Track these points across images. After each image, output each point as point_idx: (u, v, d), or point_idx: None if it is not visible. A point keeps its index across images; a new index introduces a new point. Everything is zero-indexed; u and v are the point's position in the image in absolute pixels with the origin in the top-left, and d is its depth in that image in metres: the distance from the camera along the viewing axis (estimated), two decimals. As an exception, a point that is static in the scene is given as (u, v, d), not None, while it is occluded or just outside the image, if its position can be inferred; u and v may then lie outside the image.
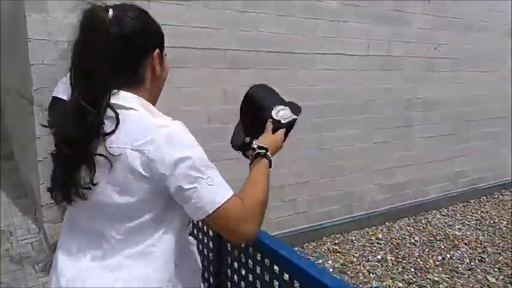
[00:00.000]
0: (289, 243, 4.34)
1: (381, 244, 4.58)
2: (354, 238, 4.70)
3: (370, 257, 4.27)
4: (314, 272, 0.76)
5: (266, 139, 1.23)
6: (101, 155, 0.88)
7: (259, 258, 0.93)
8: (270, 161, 1.16)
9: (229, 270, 1.05)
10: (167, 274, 0.92)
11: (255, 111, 1.35)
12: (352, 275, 3.90)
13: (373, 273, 3.95)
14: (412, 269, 4.03)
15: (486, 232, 4.96)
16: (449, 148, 5.63)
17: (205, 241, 1.18)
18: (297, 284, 0.81)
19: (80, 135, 0.88)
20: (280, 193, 4.24)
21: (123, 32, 0.93)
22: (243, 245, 0.99)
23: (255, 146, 1.17)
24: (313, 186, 4.47)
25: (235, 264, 1.02)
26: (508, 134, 6.37)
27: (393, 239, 4.70)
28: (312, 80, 4.27)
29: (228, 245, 1.04)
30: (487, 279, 3.87)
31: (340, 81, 4.46)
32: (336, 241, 4.62)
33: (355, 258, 4.22)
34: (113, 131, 0.89)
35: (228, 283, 1.05)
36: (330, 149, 4.51)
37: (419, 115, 5.17)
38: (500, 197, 6.31)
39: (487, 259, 4.26)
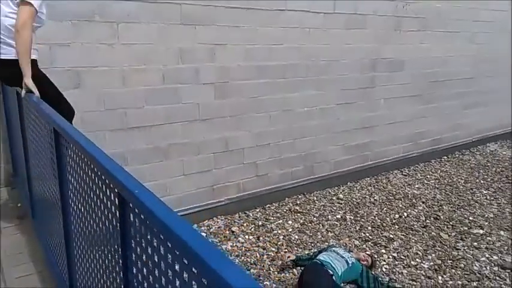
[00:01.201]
0: (250, 205, 4.37)
1: (341, 204, 4.65)
2: (315, 198, 4.76)
3: (329, 217, 4.34)
4: (207, 257, 0.69)
5: None
6: None
7: (162, 238, 0.85)
8: None
9: (133, 241, 0.98)
10: None
11: None
12: (311, 234, 3.97)
13: (331, 232, 4.03)
14: (370, 227, 4.13)
15: (444, 191, 5.12)
16: (413, 109, 5.67)
17: (106, 213, 1.11)
18: (195, 270, 0.74)
19: None
20: (240, 156, 4.19)
21: None
22: (143, 217, 0.92)
23: None
24: (275, 148, 4.43)
25: (137, 236, 0.95)
26: (473, 95, 6.47)
27: (354, 199, 4.78)
28: (275, 38, 4.11)
29: (131, 215, 0.96)
30: (440, 235, 4.02)
31: (304, 40, 4.32)
32: (298, 202, 4.66)
33: (315, 218, 4.28)
34: None
35: (133, 255, 0.99)
36: (292, 110, 4.43)
37: (383, 76, 5.12)
38: (461, 156, 6.50)
39: (442, 217, 4.41)
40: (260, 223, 4.13)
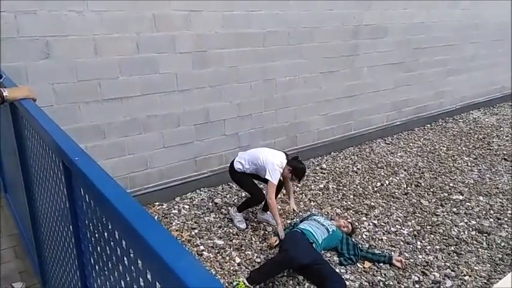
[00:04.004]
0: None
1: (324, 173, 4.66)
2: (299, 168, 4.75)
3: (312, 186, 4.35)
4: (139, 225, 0.65)
5: None
6: None
7: (103, 209, 0.81)
8: None
9: (80, 213, 0.94)
10: None
11: None
12: (294, 204, 3.98)
13: (313, 202, 4.04)
14: (352, 196, 4.16)
15: (426, 158, 5.15)
16: (397, 77, 5.62)
17: (58, 183, 1.06)
18: (125, 243, 0.70)
19: None
20: (222, 127, 4.12)
21: None
22: (86, 187, 0.87)
23: None
24: (257, 119, 4.37)
25: (84, 206, 0.90)
26: (457, 62, 6.43)
27: (337, 168, 4.79)
28: (254, 4, 3.97)
29: (77, 186, 0.91)
30: (421, 202, 4.07)
31: (284, 6, 4.18)
32: (281, 172, 4.65)
33: (298, 188, 4.29)
34: None
35: (83, 228, 0.95)
36: (274, 80, 4.35)
37: (366, 43, 5.03)
38: (444, 124, 6.53)
39: (423, 184, 4.45)
40: (243, 194, 4.12)
